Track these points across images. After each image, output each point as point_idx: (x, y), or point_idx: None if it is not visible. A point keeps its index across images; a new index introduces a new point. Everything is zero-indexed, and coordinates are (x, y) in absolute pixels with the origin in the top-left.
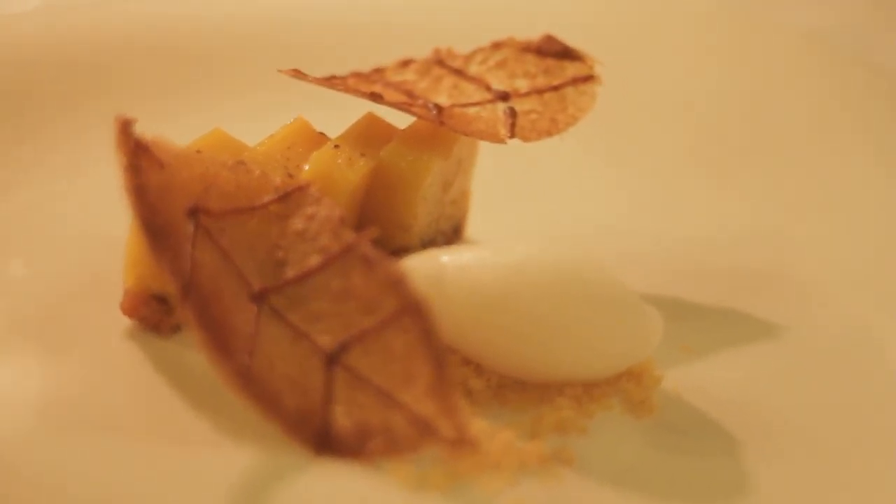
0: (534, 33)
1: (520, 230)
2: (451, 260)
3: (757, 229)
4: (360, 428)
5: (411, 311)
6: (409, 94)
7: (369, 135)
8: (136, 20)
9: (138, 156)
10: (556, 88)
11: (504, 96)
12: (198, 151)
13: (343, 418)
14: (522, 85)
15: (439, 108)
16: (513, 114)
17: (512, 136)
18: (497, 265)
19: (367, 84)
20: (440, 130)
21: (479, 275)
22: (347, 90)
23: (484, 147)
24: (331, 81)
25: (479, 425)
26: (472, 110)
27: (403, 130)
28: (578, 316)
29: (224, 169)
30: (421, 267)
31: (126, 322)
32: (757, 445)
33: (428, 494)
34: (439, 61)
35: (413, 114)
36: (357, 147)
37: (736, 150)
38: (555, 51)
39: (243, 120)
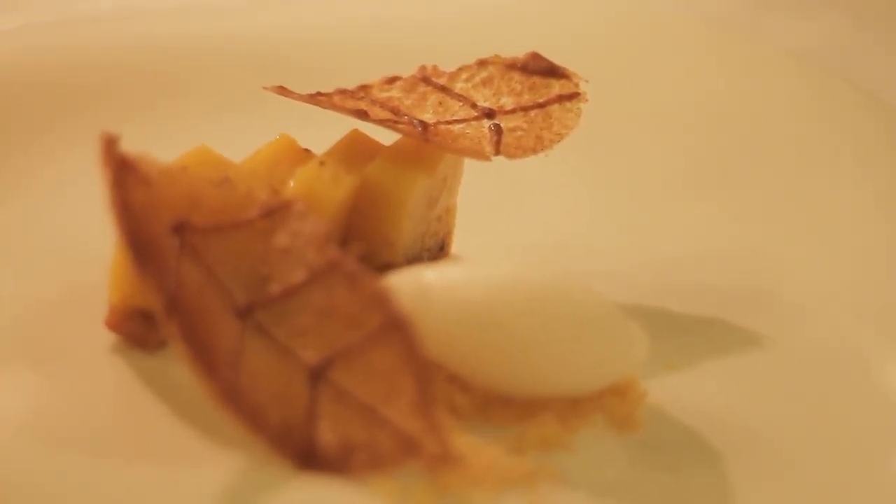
0: (519, 51)
1: (505, 247)
2: (436, 276)
3: (742, 247)
4: (345, 443)
5: (396, 326)
6: (395, 111)
7: (354, 151)
8: (121, 37)
9: (123, 172)
10: (541, 106)
11: (489, 113)
12: (183, 168)
13: (327, 433)
14: (508, 102)
15: (424, 126)
16: (498, 131)
17: (497, 153)
18: (482, 282)
19: (353, 101)
20: (425, 147)
21: (464, 291)
22: (333, 107)
23: (470, 164)
24: (316, 98)
25: (463, 441)
26: (457, 127)
27: (389, 147)
28: (563, 332)
29: (209, 185)
30: (406, 283)
31: (111, 337)
32: (742, 462)
33: None
34: (425, 78)
35: (398, 131)
36: (342, 164)
37: (721, 167)
38: (540, 68)
39: (228, 137)
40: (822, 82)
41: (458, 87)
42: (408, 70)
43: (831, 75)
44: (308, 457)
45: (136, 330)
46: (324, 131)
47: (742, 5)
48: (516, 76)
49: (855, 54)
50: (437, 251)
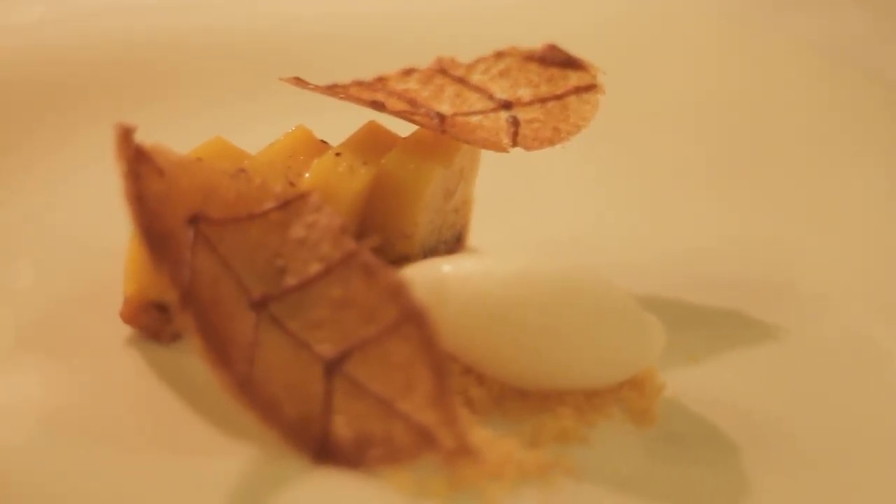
0: (536, 41)
1: (522, 239)
2: (452, 269)
3: (760, 238)
4: (360, 436)
5: (412, 319)
6: (412, 102)
7: (371, 143)
8: (138, 29)
9: (138, 163)
10: (558, 97)
11: (507, 105)
12: (198, 159)
13: (343, 427)
14: (525, 94)
15: (441, 117)
16: (515, 123)
17: (514, 145)
18: (499, 274)
19: (370, 92)
20: (442, 139)
21: (480, 284)
22: (349, 98)
23: (487, 156)
24: (333, 89)
25: (479, 434)
26: (474, 119)
27: (405, 139)
28: (580, 325)
29: (224, 177)
30: (422, 276)
31: (126, 330)
32: (759, 455)
33: (427, 503)
34: (442, 70)
35: (415, 122)
36: (358, 155)
37: (738, 159)
38: (558, 60)
39: (245, 128)
40: (838, 74)
41: (476, 78)
42: (423, 61)
43: (847, 67)
44: (324, 450)
45: (151, 322)
46: (340, 123)
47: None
48: (534, 68)
49: (870, 46)
50: (454, 243)
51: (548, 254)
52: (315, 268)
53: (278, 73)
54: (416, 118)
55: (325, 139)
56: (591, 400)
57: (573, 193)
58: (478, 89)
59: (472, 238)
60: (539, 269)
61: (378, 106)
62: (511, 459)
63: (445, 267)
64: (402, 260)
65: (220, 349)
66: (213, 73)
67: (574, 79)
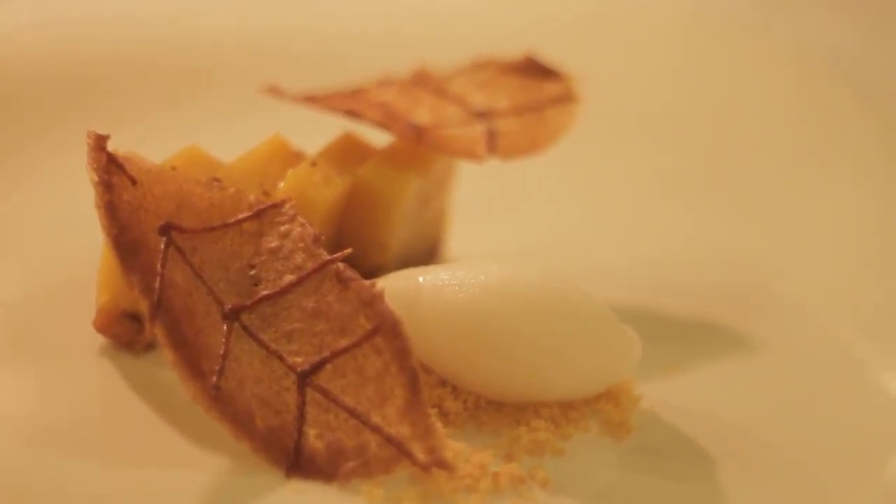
0: (515, 48)
1: (499, 249)
2: (426, 279)
3: (737, 247)
4: (333, 449)
5: (385, 331)
6: (389, 113)
7: (347, 153)
8: (114, 38)
9: (110, 172)
10: (535, 108)
11: (484, 115)
12: (172, 168)
13: (316, 439)
14: (502, 104)
15: (419, 127)
16: (492, 133)
17: (491, 155)
18: (473, 285)
19: (347, 102)
20: (419, 149)
21: (454, 295)
22: (326, 108)
23: (464, 166)
24: (309, 99)
25: (454, 447)
26: (451, 129)
27: (382, 149)
28: (555, 336)
29: (198, 186)
30: (396, 286)
31: (99, 339)
32: (735, 466)
33: None
34: (420, 81)
35: (393, 132)
36: (334, 165)
37: (716, 167)
38: (535, 70)
39: (220, 137)
40: (823, 84)
41: (453, 89)
42: (402, 67)
43: (832, 77)
44: (296, 462)
45: (125, 332)
46: (317, 132)
47: (741, 5)
48: (511, 78)
49: (857, 57)
50: (430, 253)
51: (522, 264)
52: (288, 278)
53: (255, 81)
54: (394, 128)
55: (301, 149)
56: (566, 412)
57: (552, 202)
58: (455, 100)
59: (450, 248)
60: (514, 281)
61: (355, 115)
62: (486, 472)
63: (420, 278)
64: (377, 270)
65: (191, 361)
66: (190, 82)
67: (552, 90)
